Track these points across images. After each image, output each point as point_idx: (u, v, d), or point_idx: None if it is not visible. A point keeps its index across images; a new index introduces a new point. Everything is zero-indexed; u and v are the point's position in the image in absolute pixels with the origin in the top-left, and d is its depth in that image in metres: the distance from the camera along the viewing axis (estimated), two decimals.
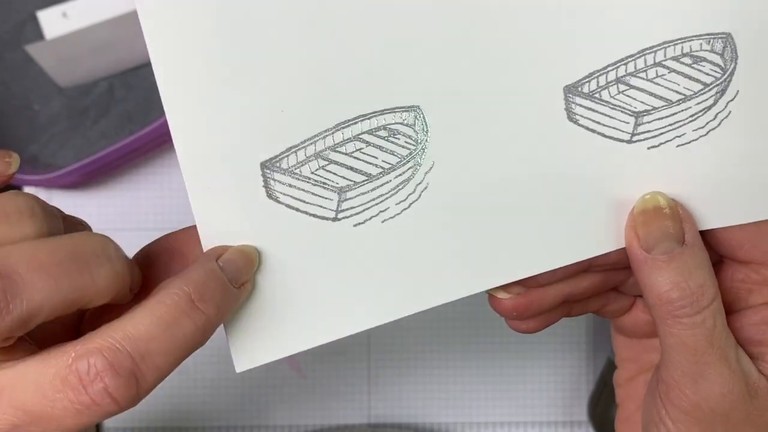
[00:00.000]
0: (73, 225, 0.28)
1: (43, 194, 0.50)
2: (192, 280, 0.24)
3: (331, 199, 0.28)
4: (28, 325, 0.22)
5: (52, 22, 0.48)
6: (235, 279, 0.26)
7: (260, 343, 0.28)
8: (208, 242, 0.27)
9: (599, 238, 0.28)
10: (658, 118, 0.27)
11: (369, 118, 0.27)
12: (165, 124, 0.45)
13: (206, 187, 0.27)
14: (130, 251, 0.52)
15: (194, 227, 0.28)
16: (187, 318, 0.24)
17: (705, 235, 0.28)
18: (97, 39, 0.46)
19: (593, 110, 0.27)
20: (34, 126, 0.49)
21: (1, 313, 0.21)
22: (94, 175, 0.48)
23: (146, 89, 0.49)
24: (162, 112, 0.47)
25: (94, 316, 0.27)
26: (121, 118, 0.49)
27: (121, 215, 0.50)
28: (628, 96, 0.27)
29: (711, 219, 0.28)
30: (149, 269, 0.28)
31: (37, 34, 0.48)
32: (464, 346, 0.49)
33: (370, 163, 0.28)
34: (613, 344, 0.35)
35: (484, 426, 0.49)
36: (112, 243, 0.24)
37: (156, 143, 0.47)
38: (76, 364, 0.22)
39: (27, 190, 0.50)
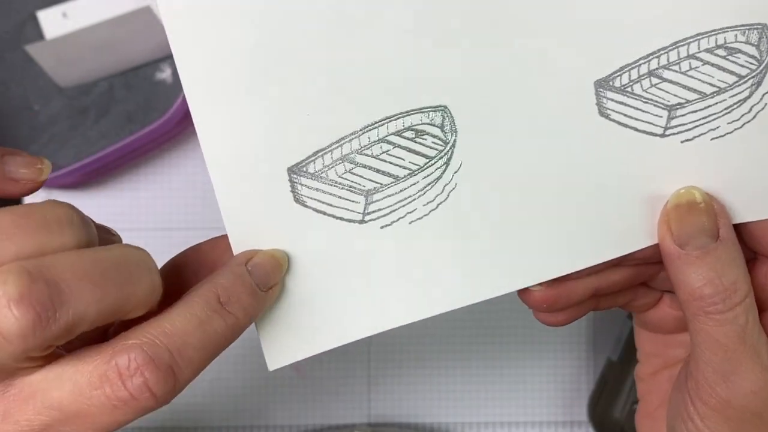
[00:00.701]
0: (104, 233, 0.28)
1: (43, 194, 0.50)
2: (220, 284, 0.25)
3: (358, 202, 0.28)
4: (72, 333, 0.22)
5: (52, 22, 0.48)
6: (263, 283, 0.27)
7: (291, 342, 0.28)
8: (238, 247, 0.28)
9: (632, 235, 0.28)
10: (692, 111, 0.27)
11: (395, 120, 0.27)
12: (165, 124, 0.45)
13: (235, 193, 0.27)
14: None
15: (222, 237, 0.28)
16: (218, 317, 0.24)
17: (740, 231, 0.28)
18: (97, 39, 0.46)
19: (625, 104, 0.27)
20: (34, 126, 0.49)
21: (48, 321, 0.21)
22: (94, 175, 0.48)
23: (146, 89, 0.49)
24: (162, 113, 0.47)
25: (121, 326, 0.27)
26: (121, 118, 0.49)
27: (121, 215, 0.50)
28: (660, 89, 0.27)
29: (745, 213, 0.28)
30: (179, 279, 0.28)
31: (37, 34, 0.48)
32: (464, 346, 0.49)
33: (398, 165, 0.27)
34: (635, 339, 0.34)
35: (484, 426, 0.49)
36: (149, 255, 0.25)
37: (156, 143, 0.47)
38: (116, 359, 0.22)
39: None
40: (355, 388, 0.49)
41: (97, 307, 0.22)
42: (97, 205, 0.50)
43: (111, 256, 0.23)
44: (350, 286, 0.28)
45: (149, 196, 0.50)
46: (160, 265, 0.27)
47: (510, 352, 0.49)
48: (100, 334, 0.27)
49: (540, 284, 0.29)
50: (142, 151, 0.48)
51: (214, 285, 0.25)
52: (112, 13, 0.46)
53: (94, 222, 0.26)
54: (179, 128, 0.47)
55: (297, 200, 0.28)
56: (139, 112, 0.49)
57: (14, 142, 0.49)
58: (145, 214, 0.50)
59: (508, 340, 0.49)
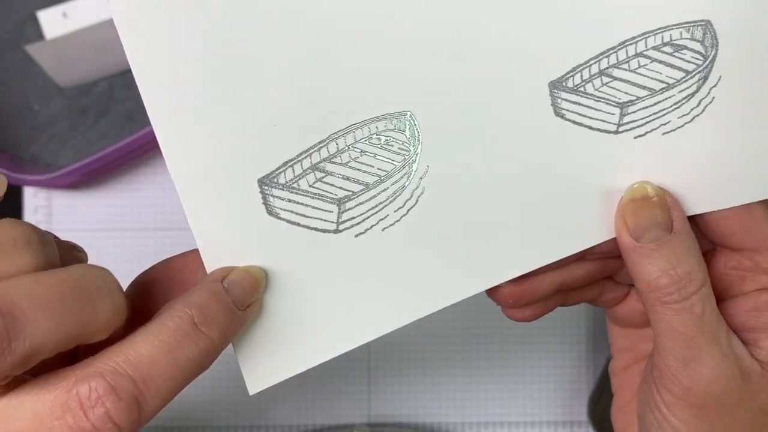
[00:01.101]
0: (67, 250, 0.27)
1: (43, 194, 0.50)
2: (195, 303, 0.24)
3: (332, 211, 0.28)
4: (29, 363, 0.21)
5: (52, 22, 0.48)
6: (241, 301, 0.25)
7: (271, 363, 0.28)
8: (211, 263, 0.27)
9: (591, 229, 0.28)
10: (643, 108, 0.28)
11: (361, 127, 0.27)
12: None
13: (205, 208, 0.27)
14: (130, 251, 0.52)
15: (194, 251, 0.27)
16: (191, 341, 0.23)
17: (697, 223, 0.29)
18: (97, 39, 0.46)
19: (579, 104, 0.28)
20: (34, 126, 0.49)
21: (3, 352, 0.20)
22: (94, 175, 0.48)
23: None
24: None
25: (88, 347, 0.26)
26: (121, 118, 0.49)
27: (121, 215, 0.50)
28: (611, 87, 0.28)
29: (699, 204, 0.28)
30: (149, 296, 0.27)
31: (37, 34, 0.48)
32: (464, 346, 0.49)
33: (366, 172, 0.28)
34: (608, 334, 0.35)
35: (484, 426, 0.49)
36: (111, 275, 0.24)
37: (156, 143, 0.47)
38: (76, 388, 0.21)
39: (27, 190, 0.50)
40: (355, 388, 0.49)
41: (56, 334, 0.21)
42: (97, 205, 0.50)
43: (70, 278, 0.22)
44: (329, 297, 0.28)
45: (149, 196, 0.50)
46: (137, 266, 0.26)
47: (510, 352, 0.49)
48: (68, 354, 0.26)
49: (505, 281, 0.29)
50: (142, 151, 0.48)
51: (187, 305, 0.24)
52: (112, 13, 0.46)
53: (57, 239, 0.25)
54: None
55: (270, 212, 0.27)
56: (139, 112, 0.49)
57: (14, 142, 0.49)
58: (145, 214, 0.50)
59: (508, 340, 0.49)
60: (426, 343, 0.49)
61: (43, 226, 0.50)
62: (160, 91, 0.26)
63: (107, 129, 0.49)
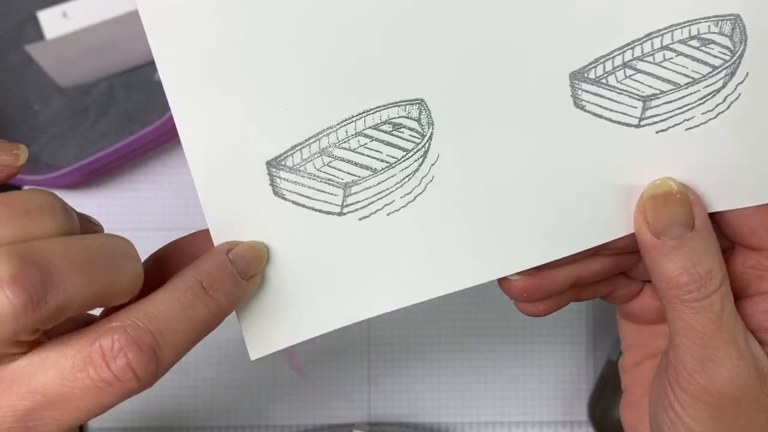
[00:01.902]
0: (86, 222, 0.28)
1: None
2: (203, 270, 0.26)
3: (336, 195, 0.28)
4: (60, 317, 0.22)
5: (52, 22, 0.48)
6: (244, 271, 0.27)
7: (272, 331, 0.29)
8: (218, 240, 0.28)
9: (608, 224, 0.28)
10: (666, 102, 0.27)
11: (372, 114, 0.27)
12: (165, 124, 0.45)
13: (215, 187, 0.28)
14: None
15: (205, 231, 0.29)
16: (201, 302, 0.25)
17: (717, 221, 0.28)
18: (97, 39, 0.46)
19: (600, 96, 0.27)
20: (34, 126, 0.49)
21: (40, 303, 0.21)
22: (94, 175, 0.48)
23: (146, 89, 0.49)
24: (162, 113, 0.47)
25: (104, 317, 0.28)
26: (121, 118, 0.49)
27: (121, 215, 0.50)
28: (635, 80, 0.27)
29: (720, 202, 0.28)
30: (163, 270, 0.28)
31: (37, 34, 0.48)
32: (464, 346, 0.49)
33: (375, 158, 0.28)
34: (618, 330, 0.35)
35: (484, 426, 0.49)
36: (131, 244, 0.25)
37: (156, 143, 0.47)
38: (99, 341, 0.23)
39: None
40: (355, 388, 0.49)
41: (85, 292, 0.22)
42: (97, 205, 0.50)
43: (97, 244, 0.23)
44: (329, 276, 0.28)
45: (149, 196, 0.50)
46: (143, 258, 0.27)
47: (510, 352, 0.49)
48: (81, 325, 0.27)
49: (519, 274, 0.29)
50: (142, 151, 0.48)
51: (197, 271, 0.25)
52: (112, 13, 0.46)
53: (75, 211, 0.26)
54: None
55: (276, 193, 0.28)
56: (139, 112, 0.49)
57: (14, 142, 0.49)
58: (145, 214, 0.50)
59: (509, 340, 0.49)
60: (426, 342, 0.49)
61: None
62: (177, 73, 0.27)
63: (107, 129, 0.49)
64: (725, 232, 0.29)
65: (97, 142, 0.49)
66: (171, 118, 0.45)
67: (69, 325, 0.24)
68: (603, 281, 0.31)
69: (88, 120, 0.49)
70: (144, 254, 0.48)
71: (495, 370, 0.49)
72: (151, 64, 0.49)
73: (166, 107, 0.48)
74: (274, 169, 0.28)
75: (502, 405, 0.49)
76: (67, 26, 0.47)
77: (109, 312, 0.25)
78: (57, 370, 0.23)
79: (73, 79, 0.49)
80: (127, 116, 0.49)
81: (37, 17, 0.48)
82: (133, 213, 0.50)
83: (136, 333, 0.23)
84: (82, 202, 0.50)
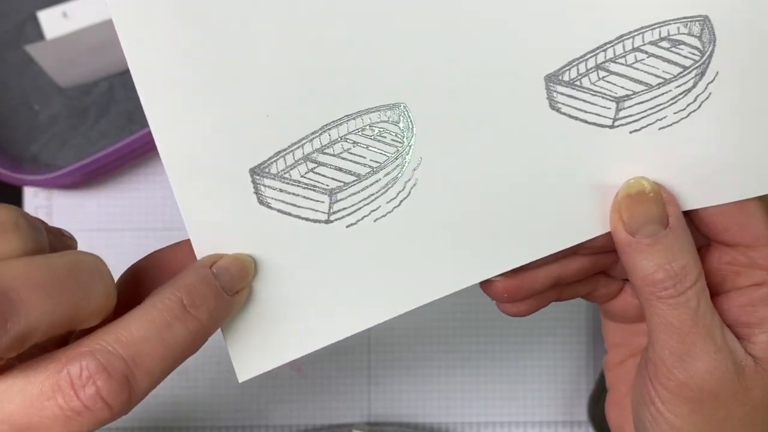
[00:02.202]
0: (57, 237, 0.27)
1: (43, 194, 0.50)
2: (184, 286, 0.24)
3: (323, 202, 0.28)
4: (23, 345, 0.21)
5: (52, 22, 0.48)
6: (229, 286, 0.26)
7: (261, 351, 0.28)
8: (202, 252, 0.27)
9: (586, 224, 0.28)
10: (639, 102, 0.28)
11: (354, 118, 0.27)
12: None
13: (196, 197, 0.27)
14: (131, 251, 0.52)
15: (185, 242, 0.27)
16: (180, 322, 0.23)
17: (692, 218, 0.29)
18: (97, 39, 0.46)
19: (575, 98, 0.28)
20: (34, 126, 0.49)
21: None
22: (94, 175, 0.48)
23: None
24: None
25: (76, 336, 0.26)
26: (121, 118, 0.49)
27: (121, 215, 0.50)
28: (608, 82, 0.28)
29: (695, 199, 0.28)
30: (140, 285, 0.27)
31: (37, 34, 0.48)
32: (464, 346, 0.49)
33: (359, 163, 0.28)
34: (602, 330, 0.35)
35: (484, 426, 0.49)
36: (102, 261, 0.24)
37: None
38: (67, 368, 0.21)
39: (27, 190, 0.50)
40: (355, 388, 0.49)
41: (50, 317, 0.21)
42: (97, 205, 0.50)
43: (63, 263, 0.22)
44: (319, 288, 0.28)
45: (149, 196, 0.50)
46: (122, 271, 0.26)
47: (510, 352, 0.49)
48: (55, 345, 0.26)
49: (500, 275, 0.29)
50: (142, 151, 0.48)
51: (176, 287, 0.24)
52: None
53: (46, 225, 0.25)
54: None
55: (261, 202, 0.27)
56: (139, 112, 0.49)
57: (14, 142, 0.49)
58: (145, 214, 0.50)
59: (508, 339, 0.49)
60: (426, 342, 0.49)
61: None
62: (154, 81, 0.26)
63: (107, 129, 0.49)
64: (700, 229, 0.29)
65: (97, 142, 0.49)
66: None
67: (43, 343, 0.23)
68: (583, 280, 0.32)
69: (88, 120, 0.49)
70: (144, 254, 0.48)
71: (495, 370, 0.49)
72: None
73: None
74: (258, 177, 0.27)
75: (502, 405, 0.49)
76: (67, 26, 0.47)
77: (82, 333, 0.23)
78: (24, 398, 0.21)
79: (73, 79, 0.49)
80: (127, 116, 0.49)
81: (37, 17, 0.48)
82: (133, 213, 0.50)
83: (107, 359, 0.22)
84: (82, 202, 0.50)
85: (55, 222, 0.49)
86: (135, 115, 0.49)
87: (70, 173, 0.45)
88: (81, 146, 0.49)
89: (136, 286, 0.27)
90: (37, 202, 0.50)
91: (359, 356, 0.49)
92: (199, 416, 0.49)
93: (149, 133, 0.45)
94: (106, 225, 0.50)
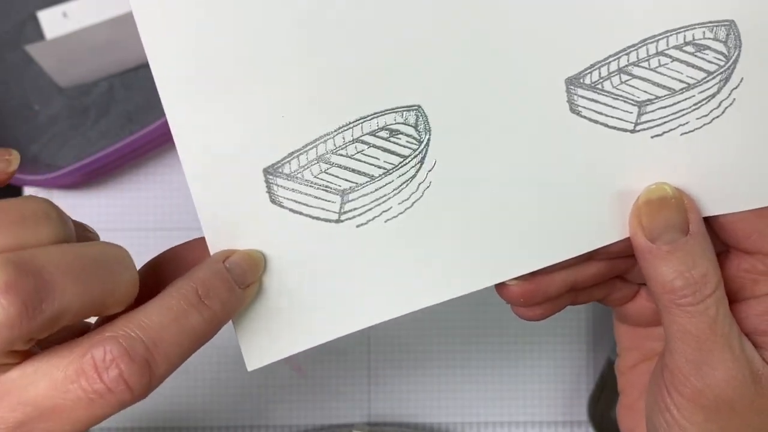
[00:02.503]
0: (82, 230, 0.28)
1: (43, 194, 0.50)
2: (198, 278, 0.25)
3: (334, 202, 0.28)
4: (55, 326, 0.22)
5: (52, 22, 0.48)
6: (241, 280, 0.27)
7: (269, 341, 0.29)
8: (215, 248, 0.28)
9: (604, 229, 0.28)
10: (662, 107, 0.27)
11: (370, 120, 0.27)
12: (165, 124, 0.45)
13: (211, 194, 0.27)
14: (131, 251, 0.52)
15: (200, 239, 0.28)
16: (195, 311, 0.24)
17: (711, 225, 0.29)
18: (97, 39, 0.46)
19: (596, 101, 0.27)
20: (34, 126, 0.49)
21: (35, 311, 0.21)
22: (94, 175, 0.48)
23: (146, 89, 0.49)
24: (162, 113, 0.47)
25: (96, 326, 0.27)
26: (121, 118, 0.49)
27: (121, 215, 0.50)
28: (630, 86, 0.27)
29: (715, 206, 0.28)
30: (158, 278, 0.28)
31: (37, 34, 0.48)
32: (464, 346, 0.49)
33: (373, 165, 0.28)
34: (615, 333, 0.35)
35: (484, 426, 0.49)
36: (127, 252, 0.25)
37: (156, 143, 0.47)
38: (91, 351, 0.22)
39: (27, 190, 0.50)
40: (355, 388, 0.49)
41: (80, 300, 0.22)
42: (97, 205, 0.50)
43: (92, 252, 0.23)
44: (328, 285, 0.28)
45: (149, 196, 0.50)
46: (139, 265, 0.27)
47: (510, 352, 0.49)
48: (74, 336, 0.27)
49: (516, 279, 0.29)
50: (142, 151, 0.48)
51: (192, 279, 0.25)
52: (112, 13, 0.46)
53: (70, 218, 0.26)
54: None
55: (273, 201, 0.28)
56: (139, 112, 0.49)
57: (14, 142, 0.49)
58: (145, 214, 0.50)
59: (508, 339, 0.49)
60: (426, 342, 0.49)
61: None
62: (173, 80, 0.26)
63: (107, 129, 0.49)
64: (720, 236, 0.29)
65: (97, 142, 0.49)
66: None
67: (64, 333, 0.24)
68: (599, 285, 0.31)
69: (88, 120, 0.49)
70: (144, 254, 0.48)
71: (495, 370, 0.49)
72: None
73: None
74: (271, 176, 0.27)
75: (502, 405, 0.49)
76: (67, 26, 0.47)
77: (104, 321, 0.24)
78: (49, 382, 0.22)
79: (73, 79, 0.49)
80: (127, 116, 0.49)
81: (37, 17, 0.48)
82: (133, 213, 0.50)
83: (129, 343, 0.23)
84: (82, 202, 0.50)
85: None
86: (135, 115, 0.49)
87: (70, 173, 0.45)
88: (81, 146, 0.49)
89: (154, 280, 0.28)
90: None
91: (359, 356, 0.49)
92: (199, 416, 0.49)
93: (149, 133, 0.45)
94: (106, 225, 0.50)
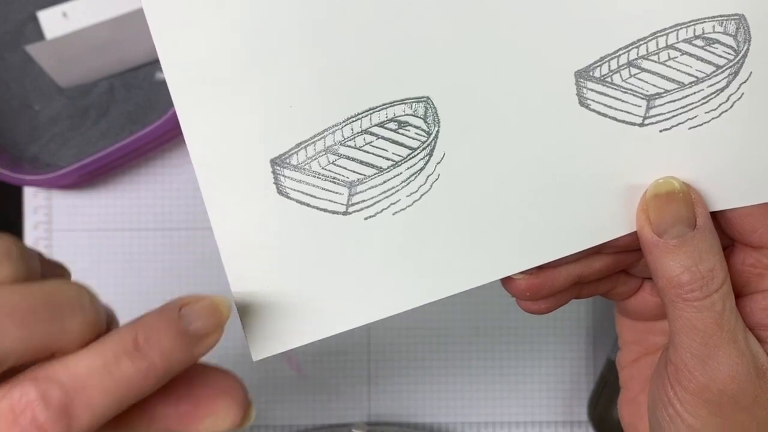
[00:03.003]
0: (51, 268, 0.27)
1: (43, 194, 0.50)
2: (142, 323, 0.24)
3: (342, 194, 0.28)
4: None
5: (52, 22, 0.48)
6: (196, 329, 0.25)
7: (275, 333, 0.28)
8: (222, 238, 0.28)
9: (611, 223, 0.28)
10: (670, 101, 0.27)
11: (378, 111, 0.27)
12: (165, 124, 0.45)
13: (219, 185, 0.27)
14: (131, 251, 0.52)
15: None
16: (128, 359, 0.23)
17: (718, 219, 0.29)
18: (97, 39, 0.46)
19: (605, 94, 0.27)
20: (34, 126, 0.49)
21: None
22: (94, 175, 0.48)
23: (146, 89, 0.49)
24: (162, 113, 0.47)
25: None
26: (121, 118, 0.49)
27: (121, 215, 0.50)
28: (639, 79, 0.27)
29: (722, 200, 0.28)
30: None
31: (37, 34, 0.48)
32: (464, 346, 0.49)
33: (381, 156, 0.28)
34: (616, 327, 0.35)
35: (484, 426, 0.49)
36: (86, 292, 0.24)
37: (156, 143, 0.47)
38: (10, 394, 0.21)
39: (27, 190, 0.50)
40: (355, 387, 0.49)
41: (23, 344, 0.21)
42: (97, 205, 0.50)
43: (42, 291, 0.22)
44: (335, 277, 0.28)
45: (149, 196, 0.50)
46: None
47: (510, 352, 0.49)
48: None
49: (523, 273, 0.29)
50: (142, 151, 0.48)
51: (134, 324, 0.24)
52: (112, 13, 0.46)
53: (42, 257, 0.25)
54: (180, 128, 0.47)
55: (280, 192, 0.28)
56: (139, 112, 0.49)
57: (14, 142, 0.49)
58: (145, 214, 0.50)
59: (508, 339, 0.49)
60: (426, 342, 0.49)
61: (43, 226, 0.50)
62: (182, 71, 0.26)
63: (107, 129, 0.49)
64: (726, 230, 0.29)
65: (97, 142, 0.49)
66: (171, 118, 0.45)
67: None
68: (604, 279, 0.31)
69: (88, 120, 0.49)
70: (144, 254, 0.48)
71: (495, 370, 0.49)
72: (151, 64, 0.49)
73: (166, 107, 0.48)
74: (278, 168, 0.27)
75: (502, 405, 0.49)
76: (67, 26, 0.47)
77: None
78: None
79: (73, 79, 0.49)
80: (127, 116, 0.49)
81: (37, 17, 0.48)
82: (133, 213, 0.50)
83: (45, 388, 0.21)
84: (82, 202, 0.50)
85: (54, 222, 0.49)
86: (135, 115, 0.49)
87: (70, 173, 0.45)
88: (81, 146, 0.49)
89: None
90: (37, 202, 0.50)
91: (359, 356, 0.49)
92: None
93: (149, 133, 0.45)
94: (106, 225, 0.50)
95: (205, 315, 0.25)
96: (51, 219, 0.49)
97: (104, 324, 0.24)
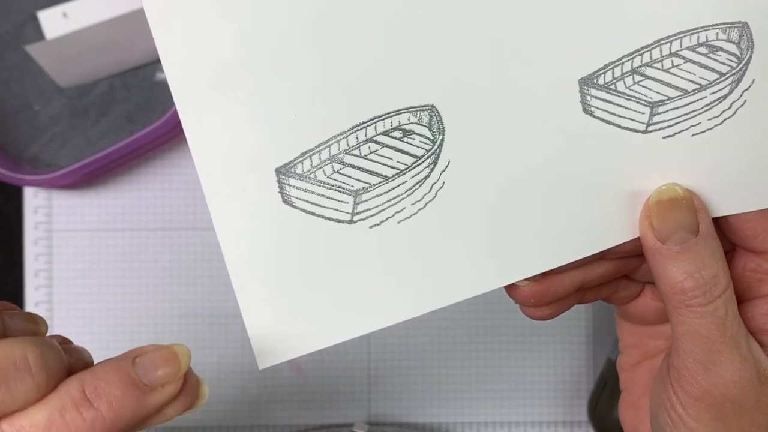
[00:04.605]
0: (26, 321, 0.27)
1: (43, 194, 0.50)
2: (93, 373, 0.24)
3: (347, 202, 0.28)
4: None
5: (52, 22, 0.48)
6: (150, 379, 0.24)
7: (281, 341, 0.29)
8: (228, 248, 0.28)
9: (614, 229, 0.28)
10: (674, 108, 0.28)
11: (383, 120, 0.27)
12: (165, 124, 0.45)
13: (224, 194, 0.28)
14: (130, 251, 0.52)
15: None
16: (75, 410, 0.23)
17: (719, 224, 0.29)
18: (97, 39, 0.46)
19: (609, 101, 0.28)
20: (34, 126, 0.49)
21: None
22: (94, 175, 0.48)
23: (146, 89, 0.49)
24: (162, 113, 0.47)
25: None
26: (121, 118, 0.49)
27: (121, 215, 0.50)
28: (643, 86, 0.27)
29: (725, 206, 0.28)
30: None
31: (37, 34, 0.48)
32: (464, 346, 0.49)
33: (386, 165, 0.28)
34: (617, 330, 0.35)
35: (484, 426, 0.49)
36: (36, 354, 0.23)
37: (156, 143, 0.47)
38: None
39: (27, 190, 0.50)
40: (355, 387, 0.49)
41: None
42: (97, 205, 0.50)
43: None
44: (340, 285, 0.28)
45: (149, 196, 0.50)
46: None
47: (510, 352, 0.49)
48: None
49: (527, 280, 0.29)
50: (142, 151, 0.48)
51: (85, 374, 0.24)
52: (112, 13, 0.46)
53: (17, 309, 0.25)
54: (179, 128, 0.47)
55: (285, 201, 0.28)
56: (139, 112, 0.49)
57: (14, 142, 0.49)
58: (145, 214, 0.50)
59: (508, 339, 0.49)
60: (426, 343, 0.49)
61: (43, 226, 0.50)
62: (187, 79, 0.27)
63: (107, 129, 0.49)
64: (727, 235, 0.29)
65: (97, 142, 0.49)
66: (171, 118, 0.45)
67: None
68: (606, 284, 0.32)
69: (88, 120, 0.49)
70: (144, 254, 0.48)
71: (495, 370, 0.49)
72: (151, 64, 0.49)
73: (166, 107, 0.48)
74: (283, 176, 0.28)
75: (502, 405, 0.49)
76: (67, 26, 0.47)
77: None
78: None
79: (73, 79, 0.49)
80: (127, 116, 0.49)
81: (37, 17, 0.48)
82: (133, 213, 0.50)
83: None
84: (82, 202, 0.50)
85: (54, 222, 0.49)
86: (135, 115, 0.49)
87: (70, 173, 0.45)
88: (81, 146, 0.49)
89: None
90: (37, 202, 0.50)
91: (359, 356, 0.49)
92: (199, 416, 0.49)
93: (149, 133, 0.45)
94: (106, 225, 0.50)
95: (162, 364, 0.24)
96: (51, 219, 0.49)
97: (59, 377, 0.23)
